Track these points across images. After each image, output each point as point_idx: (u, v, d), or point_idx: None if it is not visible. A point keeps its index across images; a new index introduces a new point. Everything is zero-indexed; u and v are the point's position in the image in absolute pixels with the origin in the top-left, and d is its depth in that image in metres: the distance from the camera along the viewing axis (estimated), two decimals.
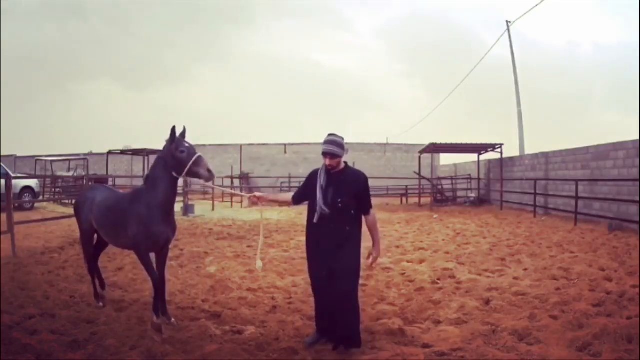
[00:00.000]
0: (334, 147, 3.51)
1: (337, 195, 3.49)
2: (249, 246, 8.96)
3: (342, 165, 3.61)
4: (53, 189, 20.12)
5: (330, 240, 3.51)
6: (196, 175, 3.92)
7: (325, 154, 3.54)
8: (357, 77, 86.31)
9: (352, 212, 3.53)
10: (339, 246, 3.50)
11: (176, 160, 3.90)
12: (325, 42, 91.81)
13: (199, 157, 3.87)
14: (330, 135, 3.58)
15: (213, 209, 17.67)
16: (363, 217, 3.65)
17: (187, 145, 3.92)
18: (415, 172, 20.88)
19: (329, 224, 3.50)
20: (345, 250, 3.51)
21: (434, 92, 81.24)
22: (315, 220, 3.54)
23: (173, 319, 4.24)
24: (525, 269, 6.40)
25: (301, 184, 4.00)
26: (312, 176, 3.70)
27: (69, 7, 72.92)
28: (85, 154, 30.82)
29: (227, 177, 24.19)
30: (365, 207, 3.61)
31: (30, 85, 72.37)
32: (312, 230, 3.66)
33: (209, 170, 3.85)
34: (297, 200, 3.86)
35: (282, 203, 4.13)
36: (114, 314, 4.50)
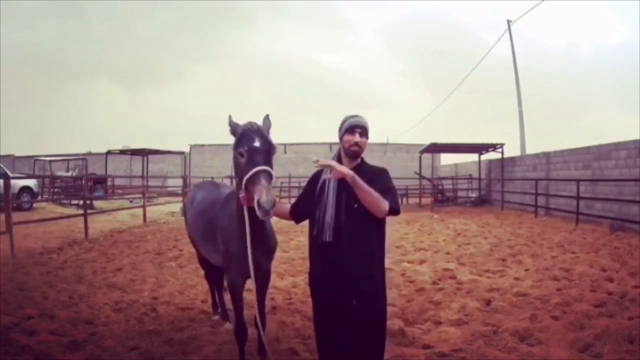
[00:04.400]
0: (363, 119, 2.61)
1: (352, 197, 2.47)
2: None
3: (359, 161, 2.64)
4: (52, 189, 20.09)
5: (346, 273, 2.48)
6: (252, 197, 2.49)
7: (353, 128, 2.55)
8: (357, 77, 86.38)
9: (371, 222, 2.52)
10: (358, 285, 2.48)
11: (237, 164, 2.63)
12: (325, 42, 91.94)
13: (257, 174, 2.45)
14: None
15: None
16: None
17: (255, 145, 2.54)
18: (415, 172, 20.86)
19: (341, 242, 2.46)
20: (368, 292, 2.51)
21: (435, 91, 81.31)
22: (328, 238, 2.47)
23: None
24: (527, 270, 6.38)
25: (301, 189, 2.88)
26: (314, 177, 2.69)
27: (69, 7, 72.98)
28: (84, 154, 30.80)
29: (227, 177, 24.18)
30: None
31: (29, 85, 72.45)
32: (319, 253, 2.57)
33: (259, 205, 2.38)
34: (298, 216, 2.76)
35: (279, 216, 2.83)
36: (113, 315, 4.48)
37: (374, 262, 2.55)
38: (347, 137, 2.55)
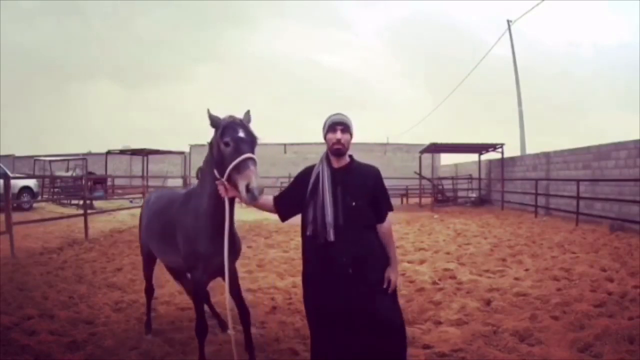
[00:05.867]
0: (344, 117, 2.60)
1: (348, 195, 2.49)
2: (248, 246, 8.93)
3: (347, 159, 2.63)
4: (52, 189, 20.10)
5: (346, 267, 2.45)
6: (235, 186, 2.58)
7: (334, 125, 2.53)
8: (357, 77, 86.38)
9: (369, 219, 2.56)
10: (366, 284, 2.47)
11: (219, 155, 2.67)
12: (325, 42, 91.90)
13: (245, 161, 2.52)
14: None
15: None
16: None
17: (240, 135, 2.61)
18: (415, 172, 20.87)
19: (341, 240, 2.44)
20: (379, 290, 2.50)
21: (435, 91, 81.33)
22: (330, 237, 2.44)
23: None
24: (527, 270, 6.38)
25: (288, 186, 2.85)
26: (304, 176, 2.64)
27: (69, 7, 72.93)
28: (84, 154, 30.76)
29: None
30: (380, 212, 2.60)
31: (29, 85, 72.39)
32: (315, 254, 2.54)
33: (249, 189, 2.45)
34: (286, 214, 2.72)
35: (262, 207, 2.74)
36: (113, 315, 4.48)
37: (378, 258, 2.55)
38: (329, 136, 2.55)
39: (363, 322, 2.44)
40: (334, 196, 2.49)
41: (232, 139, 2.59)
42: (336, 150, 2.54)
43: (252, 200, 2.47)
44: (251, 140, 2.64)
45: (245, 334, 3.33)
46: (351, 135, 2.58)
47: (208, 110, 2.72)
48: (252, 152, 2.59)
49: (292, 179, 2.79)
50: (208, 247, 2.93)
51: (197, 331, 3.21)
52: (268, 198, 2.75)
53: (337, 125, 2.54)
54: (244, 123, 2.71)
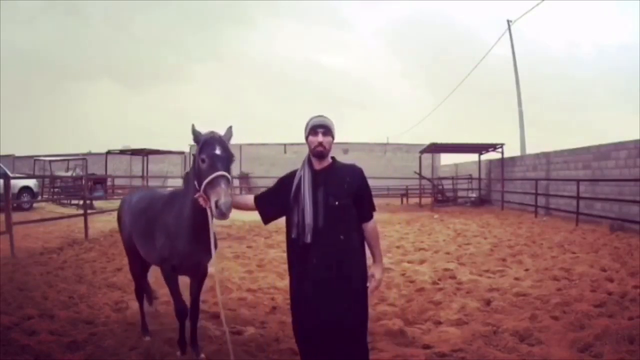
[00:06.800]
0: (326, 119, 2.63)
1: (330, 196, 2.51)
2: (248, 246, 8.94)
3: (330, 160, 2.65)
4: (52, 189, 20.10)
5: (327, 269, 2.48)
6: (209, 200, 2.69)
7: (315, 128, 2.57)
8: (357, 77, 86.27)
9: (353, 218, 2.58)
10: (342, 279, 2.50)
11: (197, 169, 2.80)
12: (325, 42, 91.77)
13: (217, 178, 2.64)
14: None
15: None
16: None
17: (216, 152, 2.73)
18: (415, 172, 20.87)
19: (322, 242, 2.47)
20: (352, 287, 2.53)
21: (435, 91, 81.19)
22: (308, 239, 2.48)
23: (203, 355, 3.47)
24: (526, 270, 6.38)
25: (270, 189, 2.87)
26: (287, 179, 2.68)
27: (69, 7, 72.90)
28: (84, 154, 30.74)
29: None
30: (366, 210, 2.62)
31: (29, 85, 72.33)
32: (298, 256, 2.57)
33: (217, 206, 2.58)
34: (268, 214, 2.74)
35: (243, 207, 2.87)
36: (113, 315, 4.48)
37: (355, 260, 2.57)
38: (311, 138, 2.59)
39: (330, 326, 2.48)
40: (314, 197, 2.52)
41: (208, 156, 2.72)
42: (318, 152, 2.58)
43: (220, 216, 2.61)
44: (227, 157, 2.77)
45: (192, 330, 3.47)
46: (333, 137, 2.62)
47: (192, 126, 2.82)
48: (227, 169, 2.72)
49: (275, 182, 2.82)
50: (185, 246, 3.13)
51: (179, 314, 3.36)
52: (249, 197, 2.85)
53: (319, 128, 2.58)
54: (222, 140, 2.82)
